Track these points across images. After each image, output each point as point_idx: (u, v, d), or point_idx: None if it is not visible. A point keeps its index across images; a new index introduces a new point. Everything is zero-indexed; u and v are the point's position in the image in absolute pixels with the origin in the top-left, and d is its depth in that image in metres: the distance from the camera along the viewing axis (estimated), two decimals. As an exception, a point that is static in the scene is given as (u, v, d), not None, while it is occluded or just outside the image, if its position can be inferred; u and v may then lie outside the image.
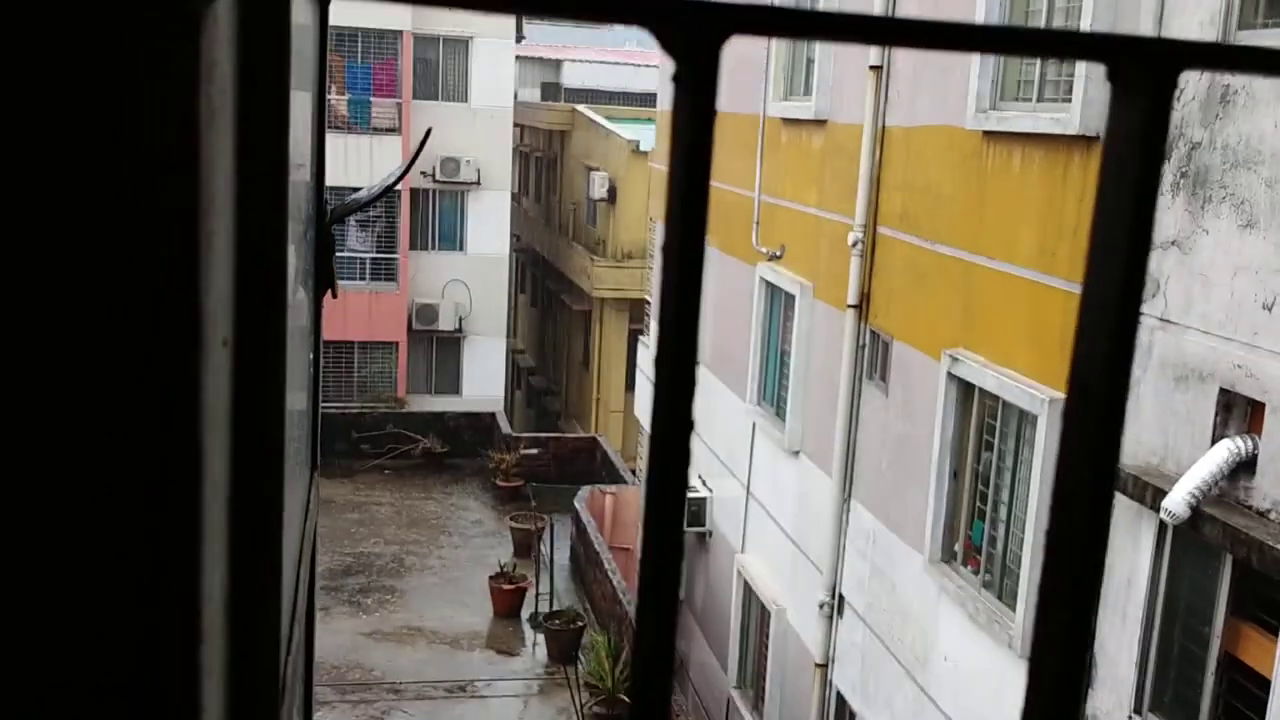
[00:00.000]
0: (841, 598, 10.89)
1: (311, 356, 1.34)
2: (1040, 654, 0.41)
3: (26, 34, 0.39)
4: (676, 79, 0.36)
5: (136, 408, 0.44)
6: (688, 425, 0.40)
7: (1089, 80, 7.26)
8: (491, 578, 17.38)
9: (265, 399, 0.59)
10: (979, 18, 8.54)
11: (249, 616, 0.66)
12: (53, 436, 0.45)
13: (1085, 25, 7.29)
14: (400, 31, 25.01)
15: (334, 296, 1.54)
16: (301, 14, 1.18)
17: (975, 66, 8.57)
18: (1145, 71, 0.37)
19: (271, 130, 0.57)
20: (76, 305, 0.43)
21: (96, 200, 0.42)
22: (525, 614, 17.15)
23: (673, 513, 0.41)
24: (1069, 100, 7.59)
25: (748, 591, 13.16)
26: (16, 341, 0.43)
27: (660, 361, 0.35)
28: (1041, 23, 8.09)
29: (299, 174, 1.18)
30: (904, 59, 9.95)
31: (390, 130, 24.93)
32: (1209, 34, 6.31)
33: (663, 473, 0.40)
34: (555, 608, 16.79)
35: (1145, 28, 6.77)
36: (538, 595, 17.00)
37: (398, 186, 24.70)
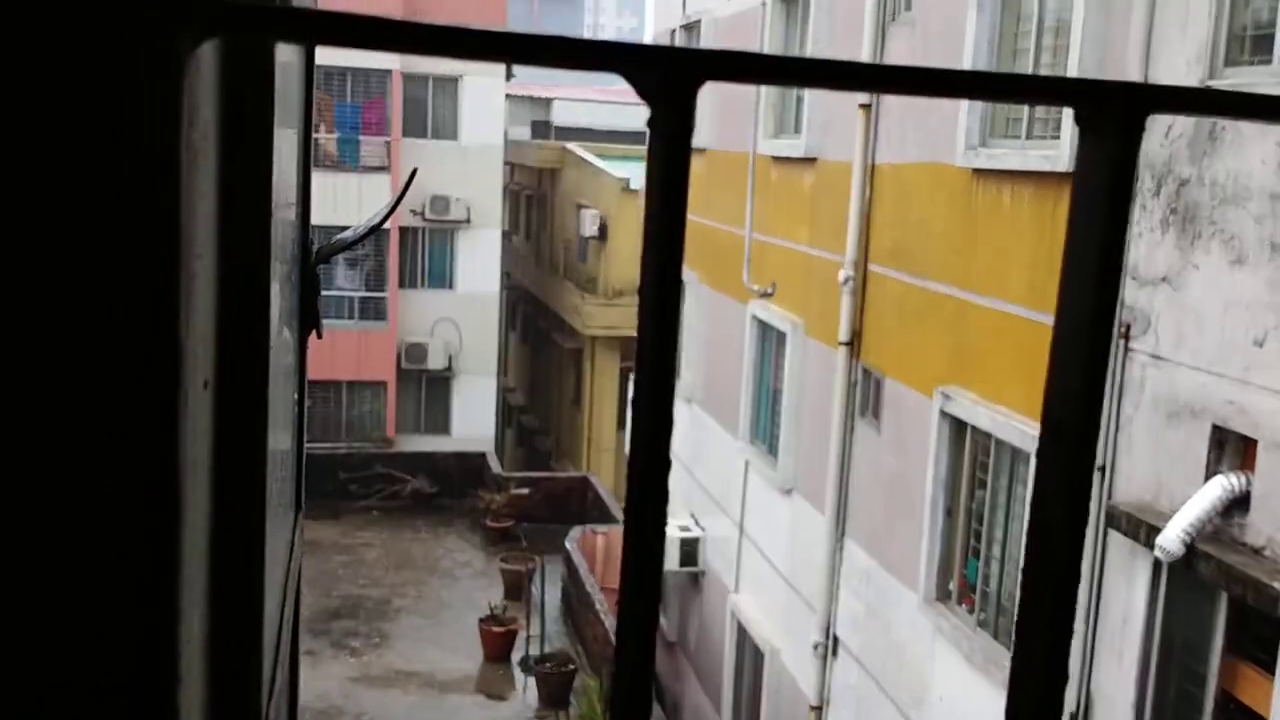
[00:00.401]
0: (836, 638, 10.83)
1: (296, 397, 1.33)
2: (1018, 689, 0.41)
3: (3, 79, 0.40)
4: (651, 124, 0.37)
5: (114, 451, 0.44)
6: (665, 462, 0.40)
7: (1075, 119, 7.33)
8: (481, 620, 17.23)
9: (247, 441, 0.59)
10: (967, 57, 8.63)
11: (230, 659, 0.65)
12: (26, 481, 0.45)
13: (1073, 62, 7.38)
14: (389, 71, 25.17)
15: (319, 337, 1.53)
16: (286, 52, 1.19)
17: (964, 104, 8.65)
18: (1112, 115, 0.38)
19: (255, 172, 0.58)
20: (54, 348, 0.43)
21: (76, 243, 0.42)
22: (516, 657, 17.00)
23: (652, 532, 0.41)
24: (1058, 137, 7.66)
25: (741, 632, 13.08)
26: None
27: (637, 406, 0.35)
28: (1029, 61, 8.18)
29: (284, 213, 1.19)
30: (893, 97, 10.05)
31: (379, 169, 25.02)
32: (1195, 71, 6.38)
33: (641, 498, 0.40)
34: (546, 650, 16.64)
35: (1132, 64, 6.84)
36: (529, 638, 16.86)
37: (386, 225, 24.76)
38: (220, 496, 0.57)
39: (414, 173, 3.15)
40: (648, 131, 0.37)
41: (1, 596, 0.46)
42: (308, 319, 1.43)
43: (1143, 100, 0.38)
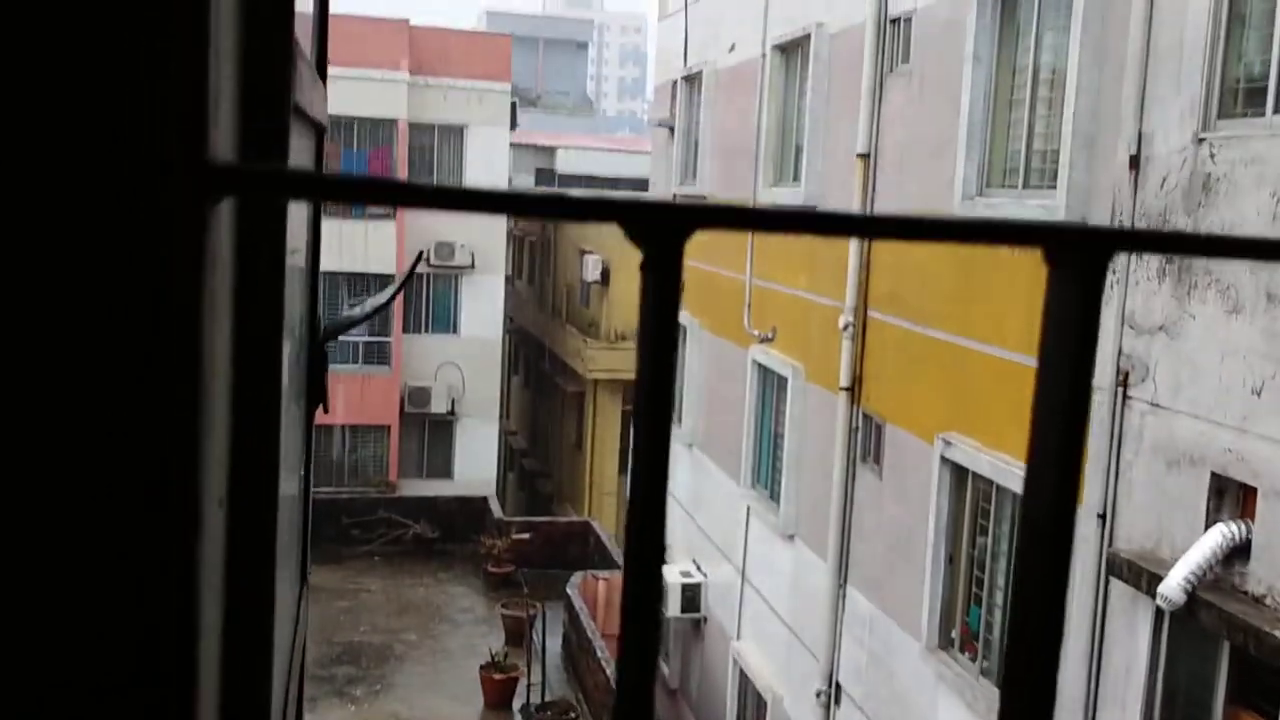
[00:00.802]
0: (839, 686, 10.75)
1: (302, 473, 1.35)
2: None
3: (42, 235, 0.43)
4: (643, 268, 0.39)
5: (132, 578, 0.46)
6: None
7: (1073, 168, 7.41)
8: (482, 667, 17.11)
9: (255, 558, 0.61)
10: (964, 107, 8.72)
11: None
12: (44, 611, 0.47)
13: (1068, 115, 7.46)
14: (395, 120, 25.42)
15: (325, 412, 1.56)
16: (299, 130, 1.22)
17: (962, 153, 8.73)
18: (1078, 256, 0.40)
19: (269, 294, 0.60)
20: (82, 477, 0.46)
21: (109, 382, 0.45)
22: (517, 705, 16.86)
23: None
24: (1054, 187, 7.73)
25: (743, 679, 12.99)
26: (25, 514, 0.45)
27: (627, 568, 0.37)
28: (1025, 112, 8.26)
29: (294, 289, 1.21)
30: (891, 147, 10.14)
31: (385, 216, 25.19)
32: (1189, 123, 6.46)
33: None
34: (548, 698, 16.51)
35: (1126, 117, 6.92)
36: (529, 685, 16.73)
37: (392, 271, 24.89)
38: (230, 617, 0.59)
39: (420, 255, 3.21)
40: (640, 273, 0.40)
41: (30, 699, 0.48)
42: (315, 394, 1.45)
43: (1106, 242, 0.40)
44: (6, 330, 0.44)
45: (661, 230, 0.37)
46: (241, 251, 0.55)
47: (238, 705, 0.65)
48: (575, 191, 0.39)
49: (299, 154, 1.10)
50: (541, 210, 0.39)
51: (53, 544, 0.47)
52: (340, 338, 25.34)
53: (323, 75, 1.87)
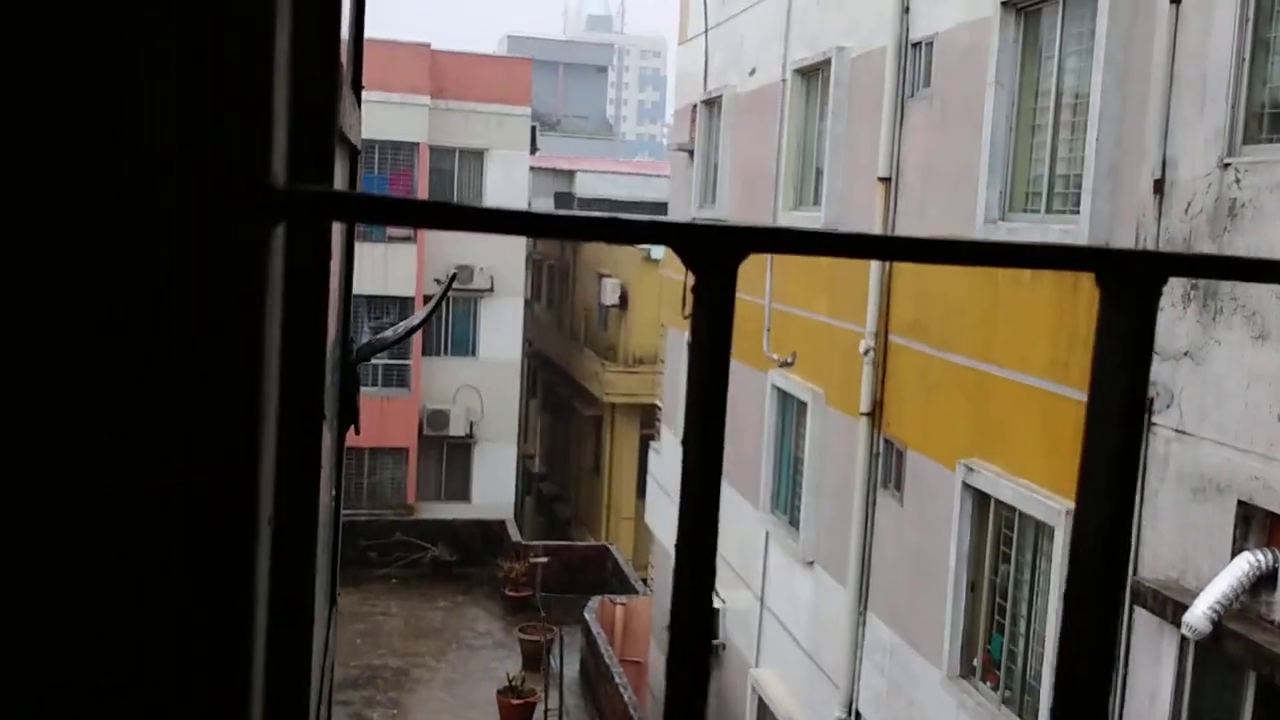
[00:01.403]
0: (859, 714, 10.66)
1: (334, 493, 1.36)
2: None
3: (109, 257, 0.44)
4: (696, 291, 0.39)
5: (196, 593, 0.47)
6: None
7: (1096, 194, 7.38)
8: (499, 692, 17.05)
9: (298, 577, 0.61)
10: (985, 132, 8.72)
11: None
12: (114, 614, 0.47)
13: (1090, 140, 7.44)
14: (416, 144, 25.58)
15: (356, 433, 1.56)
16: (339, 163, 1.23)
17: (983, 178, 8.72)
18: (1132, 281, 0.40)
19: (311, 325, 0.61)
20: (150, 496, 0.46)
21: (170, 398, 0.46)
22: (535, 728, 16.80)
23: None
24: (1077, 212, 7.70)
25: (762, 707, 12.89)
26: (93, 537, 0.46)
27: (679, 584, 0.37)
28: (1047, 137, 8.25)
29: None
30: (912, 170, 10.14)
31: (405, 239, 25.32)
32: (1214, 149, 6.43)
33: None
34: (565, 722, 16.44)
35: (1150, 142, 6.90)
36: (547, 710, 16.66)
37: (411, 294, 25.00)
38: (272, 639, 0.59)
39: (453, 275, 3.21)
40: (692, 296, 0.40)
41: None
42: (347, 416, 1.46)
43: (1160, 266, 0.40)
44: (73, 350, 0.45)
45: (715, 253, 0.38)
46: (289, 274, 0.56)
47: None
48: (634, 219, 0.39)
49: (339, 176, 1.11)
50: (595, 233, 0.39)
51: (117, 558, 0.47)
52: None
53: (358, 96, 1.89)
